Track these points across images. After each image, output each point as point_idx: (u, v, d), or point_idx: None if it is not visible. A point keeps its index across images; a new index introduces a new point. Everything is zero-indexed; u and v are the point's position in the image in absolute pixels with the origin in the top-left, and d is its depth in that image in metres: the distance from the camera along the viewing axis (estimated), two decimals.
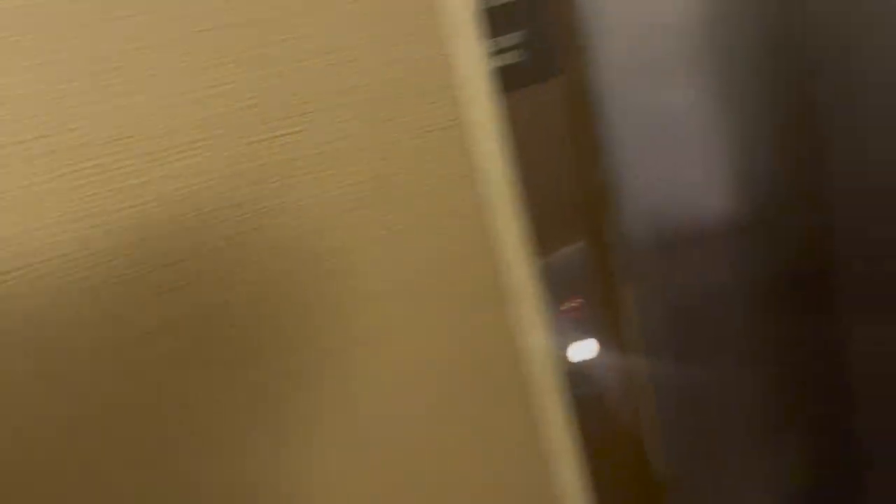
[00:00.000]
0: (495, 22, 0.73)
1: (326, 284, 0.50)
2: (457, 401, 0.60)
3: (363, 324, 0.53)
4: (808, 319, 1.24)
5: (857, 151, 1.17)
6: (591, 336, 0.80)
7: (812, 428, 1.28)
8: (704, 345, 1.10)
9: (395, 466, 0.57)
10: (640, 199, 0.83)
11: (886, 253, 1.18)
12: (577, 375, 0.79)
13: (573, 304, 0.78)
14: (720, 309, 1.11)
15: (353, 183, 0.51)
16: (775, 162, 1.15)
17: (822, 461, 1.33)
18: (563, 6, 0.77)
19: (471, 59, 0.56)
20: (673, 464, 0.88)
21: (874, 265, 1.20)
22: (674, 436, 0.88)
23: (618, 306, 0.81)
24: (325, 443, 0.52)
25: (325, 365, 0.51)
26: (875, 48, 1.10)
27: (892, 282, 1.20)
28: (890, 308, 1.22)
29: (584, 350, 0.79)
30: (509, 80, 0.72)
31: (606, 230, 0.80)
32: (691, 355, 1.09)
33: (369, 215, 0.52)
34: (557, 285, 0.76)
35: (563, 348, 0.78)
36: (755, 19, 1.05)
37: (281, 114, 0.47)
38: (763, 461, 1.24)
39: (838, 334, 1.29)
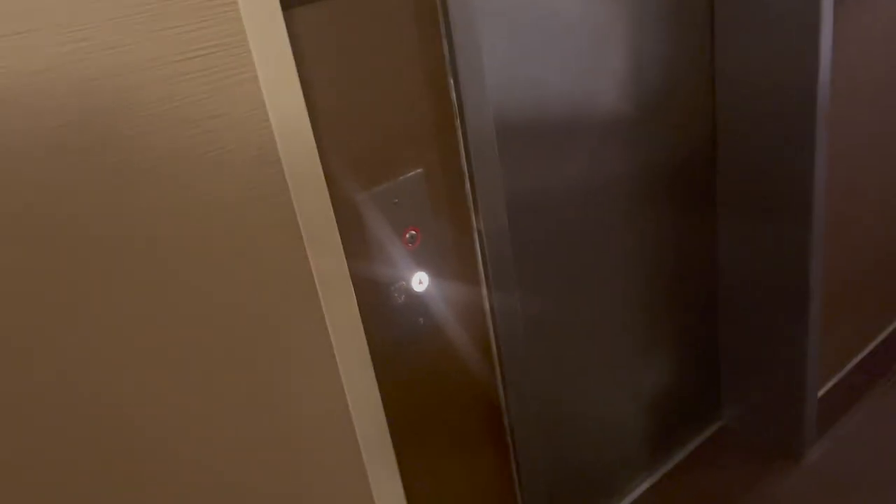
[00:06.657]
0: None
1: None
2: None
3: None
4: (682, 223, 1.28)
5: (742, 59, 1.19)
6: (430, 266, 0.80)
7: (676, 337, 1.36)
8: (565, 255, 1.12)
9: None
10: (499, 100, 0.81)
11: (763, 162, 1.22)
12: (417, 305, 0.79)
13: (411, 233, 0.77)
14: (574, 213, 1.13)
15: None
16: (660, 62, 1.15)
17: (685, 366, 1.41)
18: None
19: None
20: (513, 390, 0.91)
21: (752, 173, 1.24)
22: (516, 362, 0.90)
23: (461, 234, 0.81)
24: None
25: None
26: None
27: (766, 191, 1.25)
28: (763, 217, 1.27)
29: (422, 280, 0.79)
30: None
31: (448, 155, 0.79)
32: (544, 270, 1.11)
33: None
34: (395, 215, 0.75)
35: (403, 279, 0.78)
36: None
37: None
38: (622, 370, 1.30)
39: (709, 241, 1.35)
